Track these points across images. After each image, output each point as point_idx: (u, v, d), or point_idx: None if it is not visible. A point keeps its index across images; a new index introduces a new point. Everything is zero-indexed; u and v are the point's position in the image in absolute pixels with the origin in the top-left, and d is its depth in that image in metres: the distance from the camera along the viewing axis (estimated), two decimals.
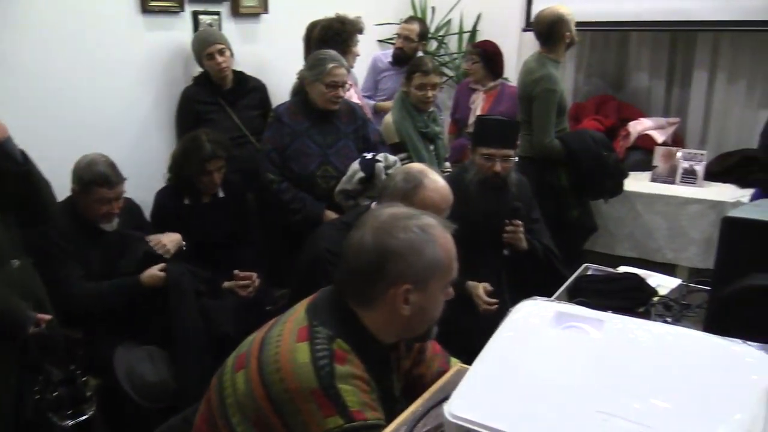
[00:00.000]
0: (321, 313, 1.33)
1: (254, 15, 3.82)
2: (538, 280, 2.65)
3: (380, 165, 2.79)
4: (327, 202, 2.89)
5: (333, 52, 2.94)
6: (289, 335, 1.30)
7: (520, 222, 2.58)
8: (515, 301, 1.18)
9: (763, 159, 3.36)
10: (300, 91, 3.02)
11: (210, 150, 2.77)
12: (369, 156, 2.84)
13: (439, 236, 1.32)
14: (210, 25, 3.56)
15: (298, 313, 1.36)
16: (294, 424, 1.22)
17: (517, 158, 2.72)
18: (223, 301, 2.71)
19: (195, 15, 3.51)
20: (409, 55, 4.02)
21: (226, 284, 2.77)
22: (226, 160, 2.85)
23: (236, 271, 2.80)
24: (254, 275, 2.81)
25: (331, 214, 2.87)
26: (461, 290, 2.56)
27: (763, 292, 1.56)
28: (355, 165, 2.81)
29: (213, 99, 3.30)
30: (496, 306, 2.52)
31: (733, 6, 3.86)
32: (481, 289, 2.55)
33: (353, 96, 3.55)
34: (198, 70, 3.38)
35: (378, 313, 1.32)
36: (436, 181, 2.02)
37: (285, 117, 2.91)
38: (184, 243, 2.67)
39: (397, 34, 4.19)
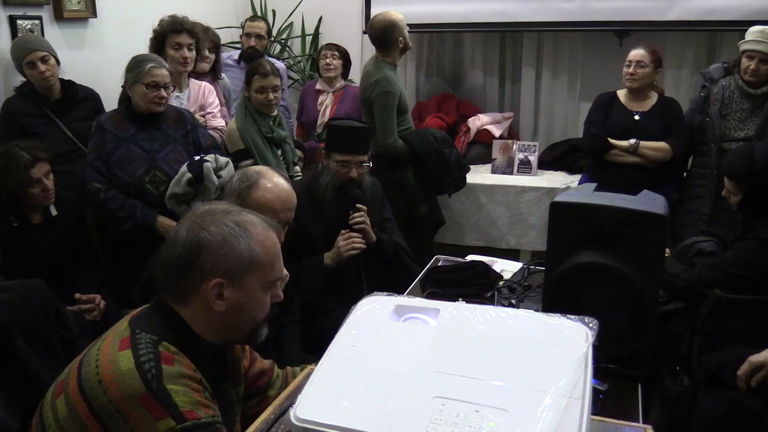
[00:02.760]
0: (143, 321, 1.31)
1: (81, 19, 3.60)
2: (393, 276, 2.73)
3: (208, 165, 2.74)
4: (160, 209, 2.81)
5: (153, 54, 2.93)
6: (110, 347, 1.26)
7: (364, 207, 2.61)
8: None
9: (586, 147, 3.68)
10: (125, 99, 2.91)
11: (28, 156, 2.57)
12: (197, 157, 2.80)
13: (257, 233, 1.32)
14: (30, 30, 3.31)
15: (119, 327, 1.33)
16: None
17: (370, 163, 2.75)
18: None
19: (12, 19, 3.24)
20: (262, 53, 3.97)
21: (68, 309, 2.58)
22: (51, 164, 2.66)
23: (77, 295, 2.62)
24: (98, 297, 2.64)
25: (164, 221, 2.79)
26: (322, 266, 2.55)
27: (586, 268, 1.73)
28: (183, 167, 2.75)
29: (39, 111, 3.07)
30: (357, 242, 2.54)
31: (551, 8, 4.20)
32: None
33: (217, 117, 3.45)
34: (20, 79, 3.13)
35: (193, 309, 1.31)
36: (273, 181, 2.02)
37: (107, 125, 2.81)
38: None
39: (246, 34, 4.11)
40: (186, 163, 2.77)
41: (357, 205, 2.60)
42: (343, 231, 2.56)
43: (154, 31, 3.24)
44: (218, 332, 1.34)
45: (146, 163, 2.80)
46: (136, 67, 2.79)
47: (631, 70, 3.35)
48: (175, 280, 1.30)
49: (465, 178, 3.78)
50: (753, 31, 3.12)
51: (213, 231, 1.28)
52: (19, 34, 3.24)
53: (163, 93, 2.80)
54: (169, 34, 3.21)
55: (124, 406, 1.18)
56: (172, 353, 1.25)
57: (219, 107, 3.49)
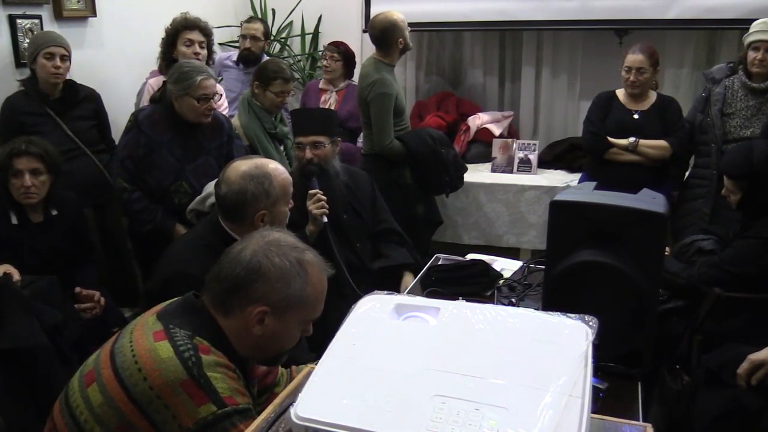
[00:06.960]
0: (174, 318, 1.35)
1: (80, 18, 3.60)
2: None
3: None
4: (179, 216, 2.77)
5: (197, 63, 2.79)
6: (143, 339, 1.31)
7: (315, 185, 2.59)
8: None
9: (585, 147, 3.68)
10: (164, 97, 2.81)
11: (18, 145, 2.55)
12: None
13: (313, 275, 1.38)
14: (30, 29, 3.31)
15: (144, 321, 1.37)
16: (162, 421, 1.23)
17: (328, 144, 2.69)
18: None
19: (12, 19, 3.25)
20: (258, 55, 3.97)
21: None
22: (47, 166, 2.60)
23: (78, 289, 2.61)
24: (97, 294, 2.64)
25: (181, 229, 2.75)
26: (308, 236, 2.55)
27: (586, 266, 1.73)
28: (210, 187, 2.63)
29: (40, 109, 3.07)
30: (321, 199, 2.54)
31: (551, 7, 4.21)
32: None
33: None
34: (19, 78, 3.13)
35: (231, 323, 1.36)
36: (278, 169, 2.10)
37: (145, 125, 2.74)
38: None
39: (241, 35, 4.12)
40: (214, 181, 2.68)
41: (311, 186, 2.58)
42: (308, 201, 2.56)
43: (166, 30, 3.25)
44: (246, 349, 1.38)
45: (175, 172, 2.75)
46: (184, 79, 2.67)
47: (632, 78, 3.27)
48: (224, 293, 1.36)
49: (462, 178, 3.75)
50: (758, 23, 3.10)
51: (275, 263, 1.34)
52: (19, 34, 3.25)
53: (213, 105, 2.74)
54: (182, 30, 3.23)
55: (164, 392, 1.23)
56: (206, 345, 1.30)
57: (227, 109, 3.48)
